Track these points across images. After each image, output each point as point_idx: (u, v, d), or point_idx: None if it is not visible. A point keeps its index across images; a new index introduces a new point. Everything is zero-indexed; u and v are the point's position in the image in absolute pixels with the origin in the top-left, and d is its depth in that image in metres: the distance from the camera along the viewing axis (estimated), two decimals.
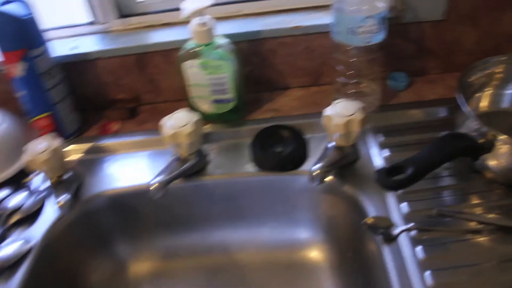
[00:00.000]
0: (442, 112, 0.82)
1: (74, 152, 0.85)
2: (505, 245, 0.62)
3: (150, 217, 0.84)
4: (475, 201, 0.68)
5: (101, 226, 0.82)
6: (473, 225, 0.65)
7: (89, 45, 0.87)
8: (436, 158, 0.61)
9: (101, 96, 0.91)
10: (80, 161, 0.84)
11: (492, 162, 0.66)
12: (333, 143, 0.73)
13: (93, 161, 0.84)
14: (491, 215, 0.65)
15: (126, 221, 0.84)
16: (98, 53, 0.86)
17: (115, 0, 0.87)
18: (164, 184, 0.73)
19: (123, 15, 0.89)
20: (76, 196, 0.78)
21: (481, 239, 0.63)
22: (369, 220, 0.66)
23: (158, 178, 0.73)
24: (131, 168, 0.82)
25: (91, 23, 0.89)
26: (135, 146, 0.85)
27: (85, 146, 0.86)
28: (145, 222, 0.85)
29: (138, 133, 0.87)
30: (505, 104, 0.78)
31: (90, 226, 0.81)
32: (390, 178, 0.60)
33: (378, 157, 0.76)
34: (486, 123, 0.64)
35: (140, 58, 0.86)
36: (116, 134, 0.87)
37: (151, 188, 0.72)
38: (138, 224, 0.85)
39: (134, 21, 0.89)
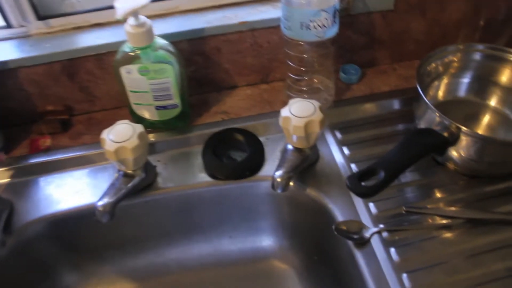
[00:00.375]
0: (398, 104, 0.81)
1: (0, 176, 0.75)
2: (473, 237, 0.62)
3: (97, 240, 0.77)
4: (441, 194, 0.67)
5: (41, 255, 0.74)
6: (441, 220, 0.64)
7: (6, 52, 0.76)
8: (406, 158, 0.59)
9: (26, 109, 0.81)
10: (8, 186, 0.74)
11: (454, 154, 0.65)
12: (292, 146, 0.68)
13: (23, 184, 0.75)
14: (457, 208, 0.65)
15: (70, 246, 0.76)
16: (18, 62, 0.75)
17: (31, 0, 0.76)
18: (112, 206, 0.65)
19: (43, 16, 0.79)
20: (6, 227, 0.68)
21: (451, 234, 0.63)
22: (340, 225, 0.63)
23: (105, 200, 0.65)
24: (69, 189, 0.74)
25: (6, 27, 0.78)
26: (71, 163, 0.77)
27: (13, 168, 0.76)
28: (92, 246, 0.78)
29: (73, 149, 0.78)
30: (460, 93, 0.77)
31: (28, 257, 0.72)
32: (363, 185, 0.57)
33: (338, 155, 0.73)
34: (444, 113, 0.63)
35: (68, 65, 0.77)
36: (48, 151, 0.78)
37: (99, 209, 0.64)
38: (83, 248, 0.78)
39: (57, 22, 0.79)
